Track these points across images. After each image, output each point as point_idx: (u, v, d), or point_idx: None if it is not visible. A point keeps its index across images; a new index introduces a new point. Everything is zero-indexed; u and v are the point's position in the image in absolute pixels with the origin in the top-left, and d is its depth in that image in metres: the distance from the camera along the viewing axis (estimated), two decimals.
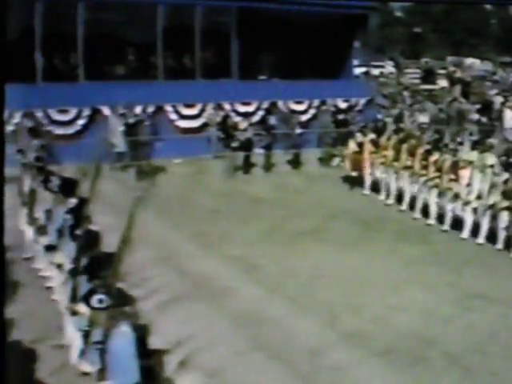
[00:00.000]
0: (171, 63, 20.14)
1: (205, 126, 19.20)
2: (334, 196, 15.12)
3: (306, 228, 12.42)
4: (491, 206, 11.66)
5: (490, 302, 8.93)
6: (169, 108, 19.05)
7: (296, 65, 20.74)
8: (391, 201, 14.53)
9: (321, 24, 20.58)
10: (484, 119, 21.89)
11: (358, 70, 25.80)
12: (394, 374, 6.95)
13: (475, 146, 14.57)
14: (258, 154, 17.93)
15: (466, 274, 10.22)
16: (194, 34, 19.40)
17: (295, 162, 18.45)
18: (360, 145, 15.57)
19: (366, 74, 26.39)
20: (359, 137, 15.91)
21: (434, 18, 56.75)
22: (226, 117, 19.40)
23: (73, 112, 17.80)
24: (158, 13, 18.62)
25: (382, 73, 40.81)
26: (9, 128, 15.74)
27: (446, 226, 12.61)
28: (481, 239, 11.86)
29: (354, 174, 15.77)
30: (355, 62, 24.56)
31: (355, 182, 15.74)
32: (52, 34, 17.17)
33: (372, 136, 15.64)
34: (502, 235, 11.51)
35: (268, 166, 18.01)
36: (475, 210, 11.99)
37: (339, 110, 21.65)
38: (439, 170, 12.85)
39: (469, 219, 12.11)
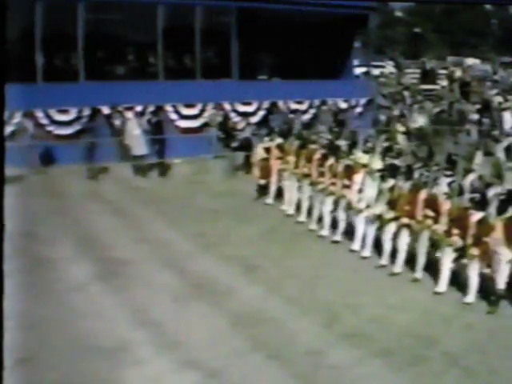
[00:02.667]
0: (171, 63, 20.17)
1: (205, 125, 19.20)
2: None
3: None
4: (378, 217, 10.60)
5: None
6: (169, 108, 19.06)
7: (296, 65, 20.76)
8: (292, 210, 13.33)
9: (321, 24, 20.59)
10: (484, 119, 21.86)
11: (358, 70, 25.79)
12: (393, 374, 6.95)
13: (386, 150, 13.39)
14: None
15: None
16: (194, 34, 19.39)
17: None
18: (267, 150, 14.41)
19: (366, 73, 26.32)
20: (266, 142, 14.71)
21: (434, 18, 56.77)
22: (226, 117, 19.41)
23: (73, 112, 17.80)
24: (158, 13, 18.62)
25: (382, 73, 40.81)
26: (9, 128, 15.80)
27: (338, 237, 11.57)
28: (367, 251, 10.78)
29: (262, 182, 14.52)
30: (355, 62, 24.57)
31: (263, 190, 14.51)
32: (52, 33, 17.18)
33: (279, 141, 14.45)
34: (386, 249, 10.37)
35: None
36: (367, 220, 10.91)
37: (340, 110, 21.68)
38: (335, 175, 11.92)
39: (359, 229, 11.01)
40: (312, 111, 21.37)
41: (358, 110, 22.23)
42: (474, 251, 8.82)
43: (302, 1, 19.71)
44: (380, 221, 10.55)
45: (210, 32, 19.37)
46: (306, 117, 21.10)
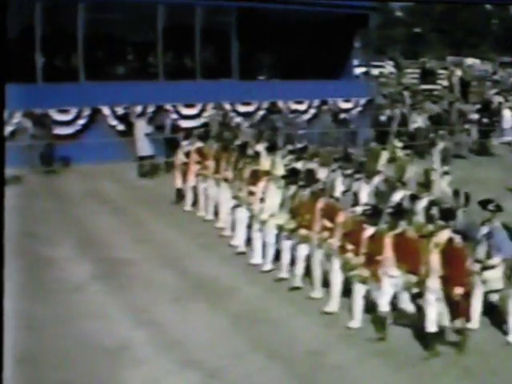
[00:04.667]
0: (171, 63, 20.16)
1: (205, 125, 19.20)
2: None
3: None
4: (280, 227, 9.78)
5: None
6: (169, 108, 19.06)
7: (296, 65, 20.75)
8: (210, 216, 12.54)
9: (321, 24, 20.58)
10: (484, 119, 21.87)
11: (358, 70, 25.78)
12: (393, 373, 6.95)
13: (300, 153, 12.59)
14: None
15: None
16: (194, 34, 19.40)
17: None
18: (188, 154, 13.61)
19: (366, 74, 26.32)
20: (186, 145, 13.94)
21: (434, 18, 56.77)
22: (226, 117, 19.40)
23: (73, 112, 17.80)
24: (158, 13, 18.62)
25: (382, 73, 40.82)
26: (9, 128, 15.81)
27: (242, 248, 10.79)
28: (268, 265, 9.98)
29: (181, 187, 13.75)
30: (355, 62, 24.56)
31: (182, 196, 13.72)
32: (52, 34, 17.18)
33: (198, 144, 13.64)
34: (285, 261, 9.62)
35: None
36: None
37: (340, 110, 21.68)
38: (243, 181, 11.12)
39: (258, 241, 10.24)
40: (312, 111, 21.38)
41: (358, 109, 22.23)
42: (364, 272, 7.96)
43: (302, 1, 19.70)
44: (281, 231, 9.70)
45: (210, 32, 19.37)
46: (306, 117, 21.12)
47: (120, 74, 20.16)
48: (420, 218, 9.07)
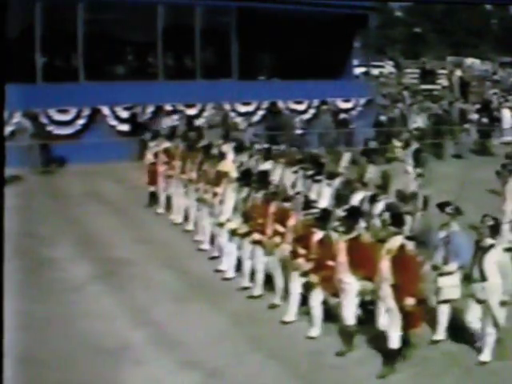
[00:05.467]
0: (171, 63, 20.18)
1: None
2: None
3: None
4: (234, 232, 9.43)
5: None
6: (169, 108, 19.06)
7: (296, 65, 20.74)
8: (180, 219, 12.21)
9: (321, 24, 20.58)
10: (484, 119, 21.88)
11: (358, 70, 25.78)
12: (393, 373, 6.95)
13: (267, 154, 12.23)
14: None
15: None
16: (194, 34, 19.41)
17: None
18: (156, 155, 13.24)
19: (366, 74, 26.34)
20: (154, 145, 13.55)
21: (434, 18, 56.73)
22: (226, 116, 19.40)
23: (73, 112, 17.80)
24: (158, 13, 18.62)
25: (381, 73, 40.82)
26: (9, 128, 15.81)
27: (215, 253, 10.43)
28: (231, 273, 9.60)
29: (152, 188, 13.40)
30: (355, 62, 24.56)
31: (153, 198, 13.43)
32: (52, 33, 17.17)
33: (166, 144, 13.25)
34: (246, 269, 9.21)
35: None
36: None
37: (339, 110, 21.67)
38: (208, 183, 10.81)
39: (223, 245, 9.85)
40: (312, 111, 21.38)
41: (358, 109, 22.23)
42: (314, 278, 7.62)
43: (302, 1, 19.71)
44: (235, 236, 9.36)
45: (210, 32, 19.38)
46: (306, 117, 21.11)
47: (120, 74, 20.17)
48: (377, 221, 8.67)
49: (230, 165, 11.29)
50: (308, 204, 8.41)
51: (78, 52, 17.98)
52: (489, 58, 50.41)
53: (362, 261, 7.24)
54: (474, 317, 7.23)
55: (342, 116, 21.28)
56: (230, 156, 12.34)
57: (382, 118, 21.27)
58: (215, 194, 10.36)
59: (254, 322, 8.17)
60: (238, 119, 19.66)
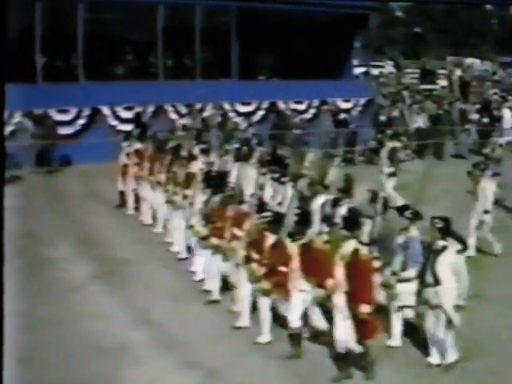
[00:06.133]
0: (171, 63, 20.17)
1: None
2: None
3: None
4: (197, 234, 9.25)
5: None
6: (169, 108, 19.06)
7: (296, 65, 20.76)
8: (150, 220, 12.12)
9: (321, 24, 20.59)
10: (484, 119, 21.88)
11: (358, 70, 25.79)
12: (393, 373, 6.95)
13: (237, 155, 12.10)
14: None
15: None
16: (194, 34, 19.41)
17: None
18: (129, 155, 13.12)
19: (366, 74, 26.35)
20: (126, 146, 13.39)
21: (434, 18, 56.74)
22: (226, 116, 19.40)
23: (73, 112, 17.80)
24: (158, 13, 18.63)
25: (381, 73, 40.81)
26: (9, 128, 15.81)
27: (184, 254, 10.30)
28: (200, 274, 9.34)
29: (122, 189, 13.23)
30: (355, 62, 24.56)
31: (123, 199, 13.27)
32: (52, 34, 17.18)
33: (138, 145, 13.13)
34: (208, 272, 9.01)
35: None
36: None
37: (339, 110, 21.67)
38: (177, 184, 10.63)
39: (194, 247, 9.62)
40: (312, 111, 21.38)
41: (358, 109, 22.24)
42: (265, 285, 7.38)
43: (302, 1, 19.71)
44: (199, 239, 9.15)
45: (210, 32, 19.38)
46: (306, 117, 21.09)
47: (120, 74, 20.17)
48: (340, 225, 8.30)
49: (198, 166, 11.04)
50: (261, 207, 8.17)
51: (77, 52, 17.98)
52: (489, 57, 50.41)
53: (314, 267, 6.96)
54: (430, 323, 6.98)
55: (342, 116, 21.28)
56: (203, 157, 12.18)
57: (382, 117, 21.26)
58: (185, 197, 10.17)
59: (253, 322, 8.16)
60: (238, 119, 19.66)
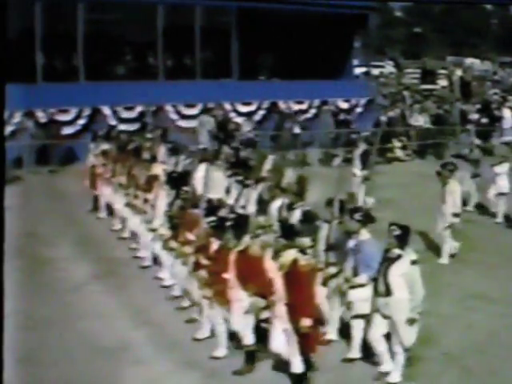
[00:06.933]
0: (171, 63, 20.16)
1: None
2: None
3: None
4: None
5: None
6: (169, 108, 19.06)
7: (296, 65, 20.76)
8: (120, 225, 11.68)
9: (321, 24, 20.58)
10: (485, 119, 21.87)
11: (358, 70, 25.78)
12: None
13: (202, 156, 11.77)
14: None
15: None
16: (194, 34, 19.40)
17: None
18: (96, 156, 12.75)
19: (366, 74, 26.34)
20: (93, 147, 13.09)
21: (434, 18, 56.78)
22: (226, 117, 19.40)
23: (73, 112, 17.80)
24: (158, 13, 18.62)
25: (382, 73, 40.82)
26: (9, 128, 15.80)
27: (148, 262, 10.03)
28: (167, 281, 9.10)
29: (95, 192, 12.83)
30: (355, 62, 24.55)
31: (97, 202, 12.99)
32: (52, 33, 17.17)
33: (105, 146, 12.72)
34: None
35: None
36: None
37: (340, 110, 21.67)
38: (138, 187, 10.31)
39: (158, 252, 9.32)
40: (312, 111, 21.38)
41: (358, 110, 22.24)
42: (208, 292, 7.12)
43: (302, 1, 19.70)
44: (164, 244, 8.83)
45: (210, 32, 19.37)
46: (306, 117, 21.10)
47: (120, 74, 20.16)
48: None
49: (160, 168, 10.70)
50: (210, 210, 7.79)
51: (78, 52, 17.97)
52: (489, 57, 50.42)
53: (251, 275, 6.58)
54: (376, 334, 6.71)
55: (342, 116, 21.29)
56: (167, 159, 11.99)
57: (382, 118, 21.26)
58: (146, 200, 9.84)
59: None
60: (239, 119, 19.66)
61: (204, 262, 7.27)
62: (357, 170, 13.15)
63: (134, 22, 18.84)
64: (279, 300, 6.37)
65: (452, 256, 10.69)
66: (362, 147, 13.47)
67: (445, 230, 10.57)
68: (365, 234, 7.05)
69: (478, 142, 14.84)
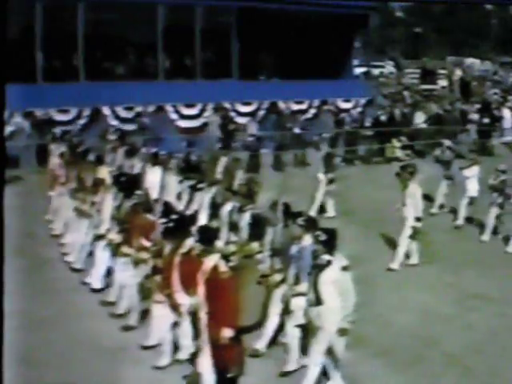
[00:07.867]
0: (171, 63, 20.16)
1: (205, 125, 19.19)
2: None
3: None
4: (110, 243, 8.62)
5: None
6: (169, 108, 19.06)
7: (296, 65, 20.77)
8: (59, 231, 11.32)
9: (321, 24, 20.58)
10: (485, 119, 21.88)
11: (358, 70, 25.80)
12: (393, 374, 6.95)
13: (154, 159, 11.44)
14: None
15: None
16: (194, 34, 19.41)
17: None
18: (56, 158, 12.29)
19: (366, 73, 26.39)
20: (54, 149, 12.75)
21: (434, 18, 56.76)
22: (227, 117, 19.40)
23: (73, 112, 17.80)
24: (158, 13, 18.63)
25: (382, 73, 40.85)
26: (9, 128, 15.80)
27: (78, 264, 9.81)
28: (98, 283, 8.92)
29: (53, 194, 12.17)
30: (355, 62, 24.57)
31: None
32: (52, 33, 17.18)
33: (62, 148, 12.34)
34: (115, 283, 8.47)
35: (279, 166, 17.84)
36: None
37: (340, 110, 21.68)
38: (85, 191, 9.94)
39: (97, 260, 9.05)
40: (312, 111, 21.38)
41: (358, 109, 22.24)
42: (158, 297, 6.87)
43: (302, 1, 19.71)
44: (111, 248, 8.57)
45: (210, 32, 19.38)
46: (306, 116, 21.11)
47: (120, 74, 20.17)
48: (244, 234, 7.99)
49: (106, 171, 10.33)
50: (165, 213, 7.38)
51: (78, 52, 17.99)
52: (489, 57, 50.42)
53: (190, 278, 6.25)
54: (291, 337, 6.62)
55: (342, 116, 21.29)
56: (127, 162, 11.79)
57: (383, 117, 21.27)
58: (93, 204, 9.44)
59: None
60: (240, 119, 19.68)
61: (161, 266, 6.95)
62: (320, 174, 12.76)
63: (134, 22, 18.83)
64: (201, 309, 5.99)
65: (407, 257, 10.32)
66: (324, 149, 13.19)
67: (405, 234, 10.14)
68: (307, 240, 6.65)
69: (448, 143, 14.28)
